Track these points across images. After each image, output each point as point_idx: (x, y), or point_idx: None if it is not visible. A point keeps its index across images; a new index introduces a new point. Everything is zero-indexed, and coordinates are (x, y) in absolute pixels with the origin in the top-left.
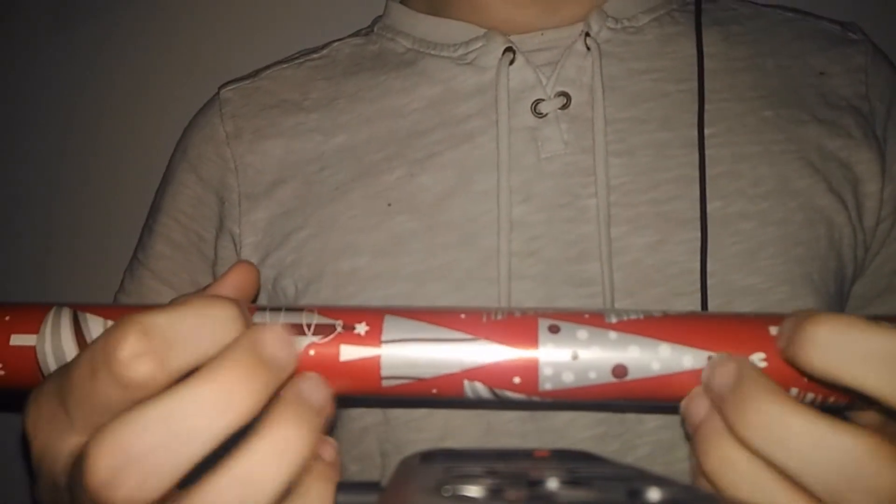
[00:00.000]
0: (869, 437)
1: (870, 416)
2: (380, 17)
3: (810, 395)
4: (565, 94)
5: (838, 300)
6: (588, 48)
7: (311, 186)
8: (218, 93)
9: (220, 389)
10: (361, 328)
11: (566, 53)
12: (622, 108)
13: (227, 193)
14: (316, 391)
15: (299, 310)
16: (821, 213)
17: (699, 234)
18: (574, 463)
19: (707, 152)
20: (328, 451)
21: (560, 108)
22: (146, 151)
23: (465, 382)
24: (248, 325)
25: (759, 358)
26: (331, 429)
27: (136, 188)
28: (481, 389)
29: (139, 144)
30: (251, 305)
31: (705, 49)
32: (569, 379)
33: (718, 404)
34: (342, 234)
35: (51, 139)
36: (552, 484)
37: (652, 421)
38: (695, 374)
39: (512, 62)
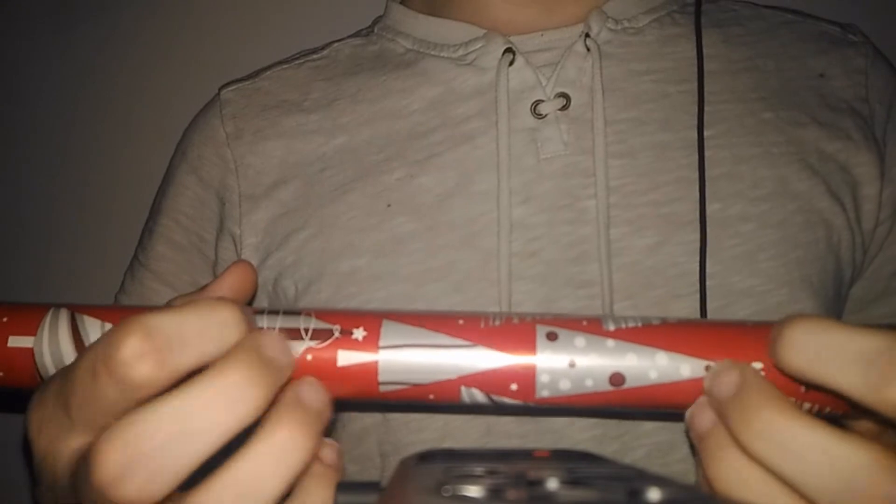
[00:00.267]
0: (872, 448)
1: (865, 426)
2: (380, 17)
3: (807, 405)
4: (565, 95)
5: (837, 303)
6: (588, 49)
7: (311, 187)
8: (218, 94)
9: (227, 389)
10: (359, 333)
11: (566, 54)
12: (622, 109)
13: (227, 194)
14: (314, 395)
15: (297, 313)
16: (820, 216)
17: (699, 236)
18: (574, 463)
19: (707, 154)
20: (330, 453)
21: (560, 109)
22: (146, 151)
23: (462, 388)
24: (251, 326)
25: (757, 367)
26: (330, 431)
27: (136, 188)
28: (478, 395)
29: (139, 144)
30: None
31: (705, 50)
32: (566, 386)
33: (721, 412)
34: (342, 235)
35: (51, 139)
36: (552, 484)
37: (650, 423)
38: (692, 383)
39: (512, 63)
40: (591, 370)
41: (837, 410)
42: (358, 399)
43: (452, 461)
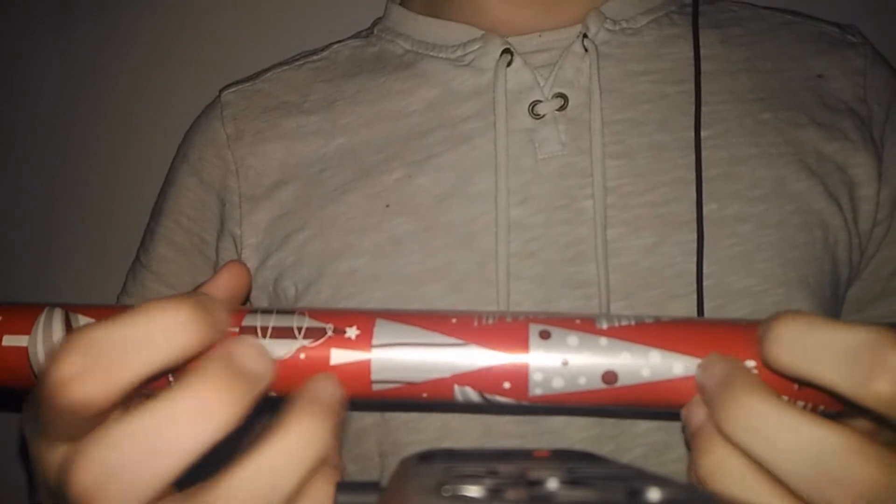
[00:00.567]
0: (846, 432)
1: (861, 424)
2: (379, 18)
3: (800, 403)
4: (563, 96)
5: (833, 303)
6: (586, 49)
7: (311, 188)
8: (219, 95)
9: (196, 403)
10: (352, 332)
11: (564, 55)
12: (619, 109)
13: (228, 195)
14: (331, 390)
15: (290, 312)
16: (817, 217)
17: (696, 237)
18: (574, 463)
19: (704, 154)
20: (333, 454)
21: (557, 110)
22: (146, 152)
23: (455, 387)
24: (217, 324)
25: (749, 366)
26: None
27: (136, 189)
28: (471, 394)
29: (139, 145)
30: (241, 308)
31: (703, 51)
32: (559, 385)
33: (708, 403)
34: (341, 236)
35: (51, 139)
36: (552, 484)
37: (645, 423)
38: (685, 381)
39: (510, 63)
40: (583, 368)
41: (832, 408)
42: (351, 398)
43: (452, 461)
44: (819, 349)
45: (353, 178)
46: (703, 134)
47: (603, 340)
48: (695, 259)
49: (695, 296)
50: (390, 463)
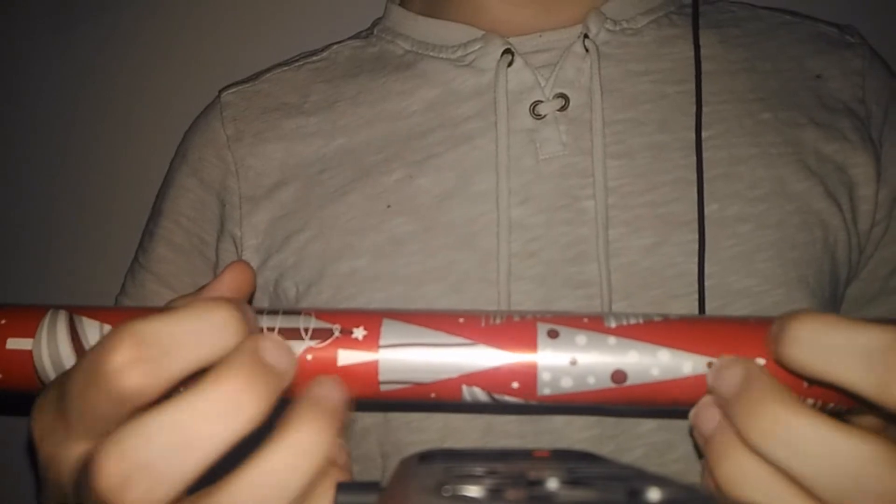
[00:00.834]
0: (876, 441)
1: (869, 421)
2: (379, 19)
3: (810, 401)
4: (564, 96)
5: (833, 303)
6: (586, 50)
7: (311, 188)
8: (218, 96)
9: (227, 396)
10: (359, 332)
11: (565, 55)
12: (620, 109)
13: (227, 196)
14: (334, 393)
15: (296, 313)
16: (817, 217)
17: (696, 237)
18: (574, 463)
19: (705, 154)
20: (341, 455)
21: (558, 110)
22: (146, 152)
23: (464, 387)
24: (251, 325)
25: (759, 363)
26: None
27: (136, 189)
28: (479, 394)
29: (139, 145)
30: None
31: (703, 51)
32: (567, 384)
33: (726, 409)
34: (342, 236)
35: (51, 139)
36: (552, 484)
37: (647, 423)
38: (695, 380)
39: (511, 64)
40: (592, 367)
41: (841, 405)
42: (358, 399)
43: (452, 461)
44: (837, 349)
45: (354, 179)
46: (703, 134)
47: (611, 339)
48: (695, 259)
49: (695, 296)
50: (392, 463)
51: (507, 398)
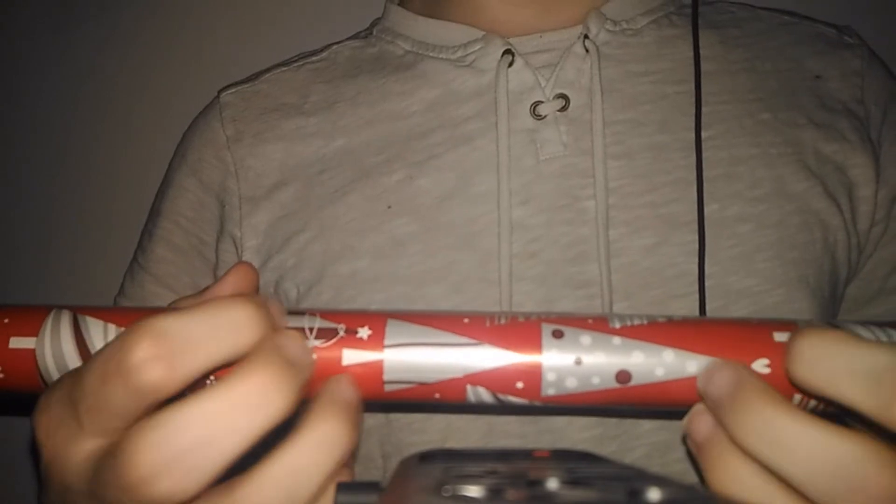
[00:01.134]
0: (867, 441)
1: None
2: (378, 19)
3: (812, 403)
4: (564, 96)
5: (832, 303)
6: (587, 50)
7: (311, 189)
8: (218, 96)
9: (256, 389)
10: (364, 332)
11: (565, 55)
12: (620, 110)
13: (227, 197)
14: (351, 391)
15: (301, 313)
16: (816, 217)
17: (697, 237)
18: (574, 463)
19: (705, 155)
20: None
21: (559, 111)
22: (146, 152)
23: (468, 387)
24: (270, 322)
25: (762, 364)
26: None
27: (136, 189)
28: (484, 394)
29: (139, 145)
30: None
31: (703, 51)
32: (572, 384)
33: (716, 412)
34: (342, 237)
35: (51, 139)
36: (552, 484)
37: (648, 423)
38: None
39: (511, 64)
40: (597, 368)
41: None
42: (363, 398)
43: (452, 461)
44: (842, 369)
45: (354, 180)
46: (703, 134)
47: (616, 340)
48: (696, 259)
49: (695, 296)
50: (393, 464)
51: (512, 398)
